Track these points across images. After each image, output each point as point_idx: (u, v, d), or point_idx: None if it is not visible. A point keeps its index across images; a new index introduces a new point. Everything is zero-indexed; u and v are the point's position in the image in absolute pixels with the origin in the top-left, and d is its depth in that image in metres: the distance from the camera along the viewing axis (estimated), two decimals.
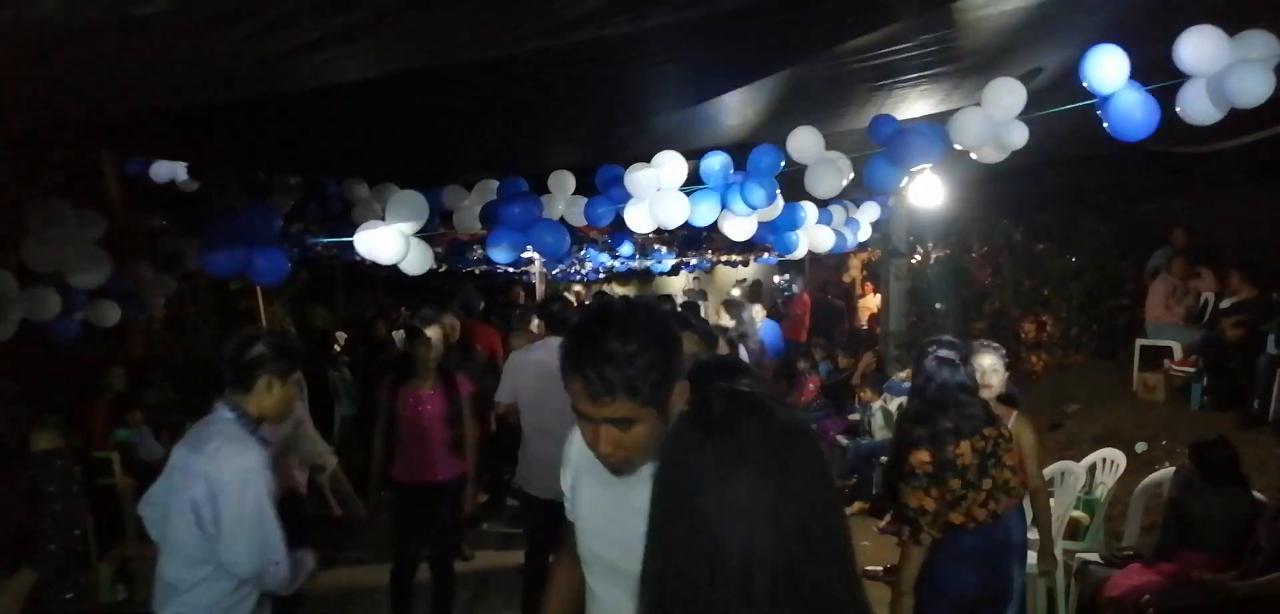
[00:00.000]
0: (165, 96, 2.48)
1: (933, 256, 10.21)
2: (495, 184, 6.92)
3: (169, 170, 7.04)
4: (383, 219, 6.30)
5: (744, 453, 1.21)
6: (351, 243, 6.10)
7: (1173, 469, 5.66)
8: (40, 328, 5.93)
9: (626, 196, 6.15)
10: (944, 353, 3.85)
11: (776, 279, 17.36)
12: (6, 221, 6.81)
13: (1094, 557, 5.40)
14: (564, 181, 6.91)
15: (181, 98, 2.55)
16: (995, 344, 4.69)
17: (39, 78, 1.99)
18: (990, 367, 4.35)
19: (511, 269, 14.24)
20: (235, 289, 11.27)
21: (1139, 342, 8.76)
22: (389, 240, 5.89)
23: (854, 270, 15.05)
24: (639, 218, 6.04)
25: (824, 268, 15.27)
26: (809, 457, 1.25)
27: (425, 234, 6.81)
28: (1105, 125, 4.41)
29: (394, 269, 6.76)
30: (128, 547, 6.69)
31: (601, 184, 6.53)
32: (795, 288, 14.17)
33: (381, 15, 1.78)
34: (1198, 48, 4.02)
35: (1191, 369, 7.86)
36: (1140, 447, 7.15)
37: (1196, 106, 4.16)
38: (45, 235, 5.26)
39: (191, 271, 7.55)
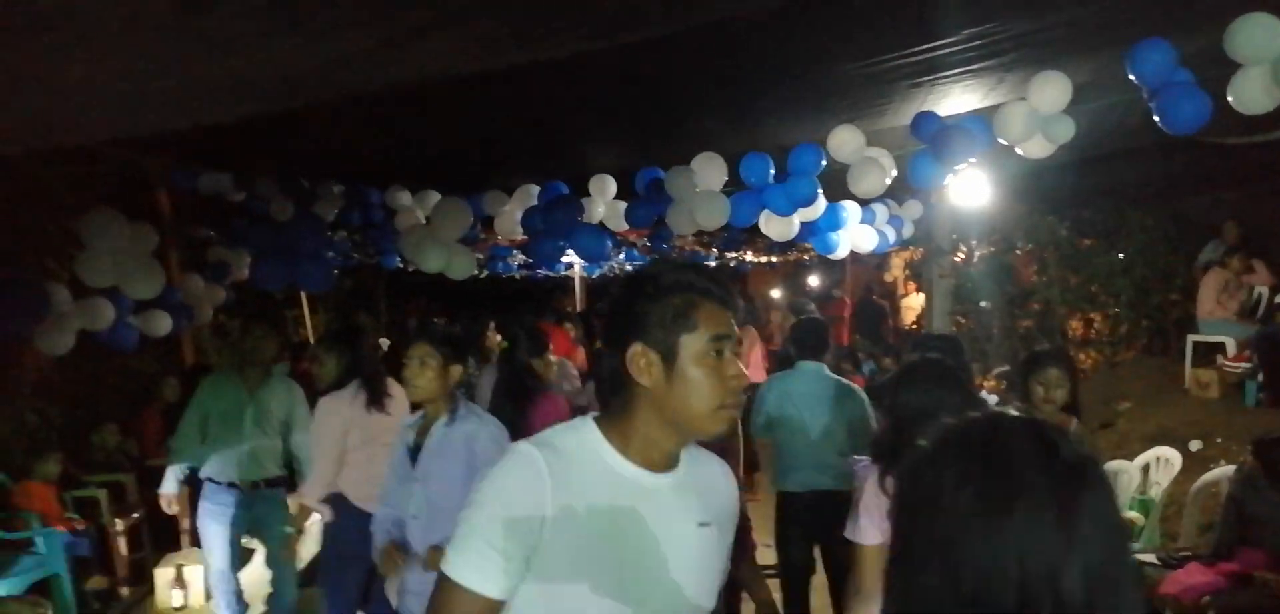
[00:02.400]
0: (225, 109, 2.54)
1: (976, 254, 10.10)
2: (536, 189, 6.98)
3: (214, 181, 7.17)
4: (426, 225, 6.38)
5: (1020, 494, 1.05)
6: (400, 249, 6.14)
7: (1230, 467, 5.54)
8: (97, 339, 6.08)
9: (666, 199, 6.17)
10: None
11: (813, 281, 17.02)
12: (60, 234, 6.98)
13: (1150, 558, 5.30)
14: (604, 185, 6.95)
15: (241, 109, 2.61)
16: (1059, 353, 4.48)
17: (100, 92, 2.05)
18: (1055, 380, 4.08)
19: (551, 274, 14.30)
20: (281, 298, 11.43)
21: (1191, 337, 8.59)
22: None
23: (896, 269, 14.92)
24: (680, 220, 6.05)
25: (865, 267, 15.16)
26: (1102, 500, 1.08)
27: (466, 240, 6.90)
28: (1156, 119, 4.34)
29: (437, 274, 6.84)
30: (183, 554, 6.81)
31: (641, 187, 6.56)
32: (836, 291, 14.06)
33: (433, 22, 1.81)
34: (1250, 35, 3.94)
35: (1246, 365, 7.70)
36: (1195, 445, 7.01)
37: (1249, 95, 4.08)
38: (101, 248, 5.38)
39: (240, 281, 7.69)
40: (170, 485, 5.46)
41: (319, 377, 4.94)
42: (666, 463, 1.69)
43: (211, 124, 2.91)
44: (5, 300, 5.16)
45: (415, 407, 3.75)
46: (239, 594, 5.39)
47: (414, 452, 3.50)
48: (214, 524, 5.17)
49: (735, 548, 1.86)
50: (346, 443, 4.51)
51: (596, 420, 1.70)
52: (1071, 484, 1.06)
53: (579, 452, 1.64)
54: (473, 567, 1.56)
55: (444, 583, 1.59)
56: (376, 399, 4.56)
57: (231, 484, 5.11)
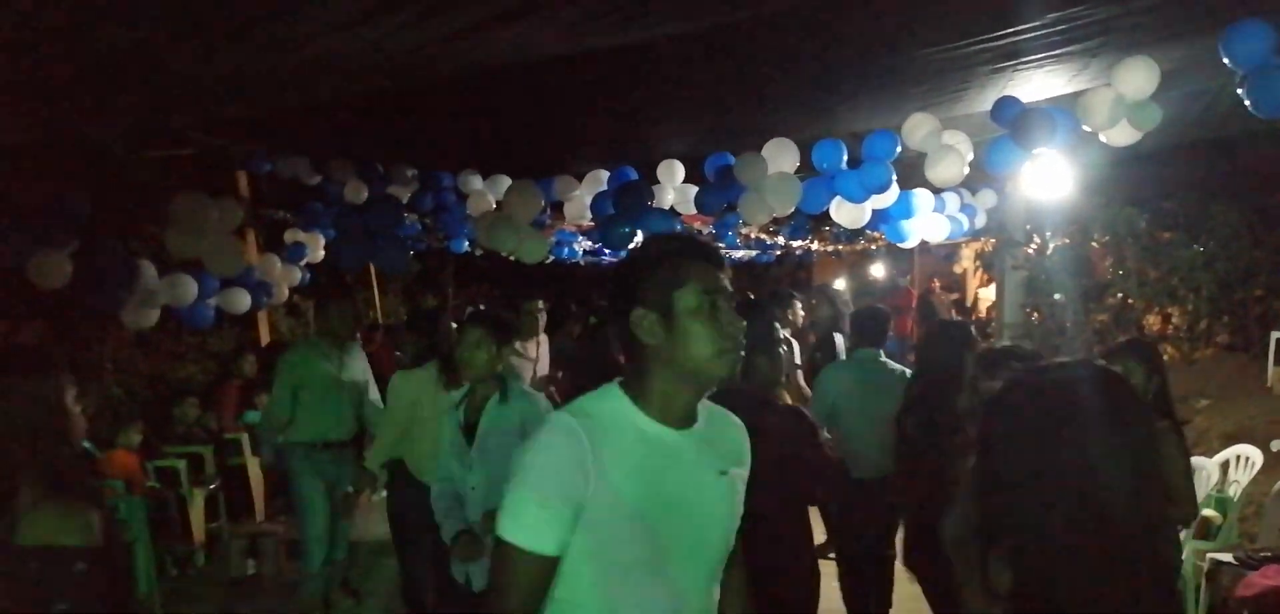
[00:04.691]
0: (323, 90, 2.60)
1: (1051, 245, 9.88)
2: (605, 174, 7.00)
3: (291, 164, 7.33)
4: (497, 209, 6.44)
5: (1083, 424, 1.39)
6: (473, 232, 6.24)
7: None
8: (177, 315, 6.29)
9: (736, 185, 6.14)
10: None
11: (876, 271, 16.55)
12: (144, 214, 7.21)
13: (1227, 557, 5.16)
14: (673, 171, 6.95)
15: (336, 91, 2.67)
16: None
17: (202, 77, 2.11)
18: (1127, 373, 4.13)
19: (616, 260, 14.34)
20: (351, 280, 11.65)
21: (1274, 334, 8.33)
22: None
23: (966, 260, 14.69)
24: (752, 207, 6.02)
25: (932, 258, 14.94)
26: (1140, 426, 1.44)
27: (535, 224, 6.95)
28: (1247, 104, 4.21)
29: (504, 259, 6.92)
30: (257, 523, 7.01)
31: (711, 173, 6.54)
32: (903, 280, 13.85)
33: (525, 5, 1.83)
34: None
35: None
36: (1276, 444, 6.81)
37: None
38: (187, 226, 5.55)
39: (314, 263, 7.88)
40: (268, 454, 5.64)
41: (402, 358, 5.11)
42: (686, 418, 1.86)
43: (301, 106, 3.00)
44: (97, 274, 5.35)
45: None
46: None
47: (468, 428, 3.68)
48: (313, 483, 5.39)
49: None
50: (414, 415, 4.71)
51: (621, 385, 1.86)
52: (1120, 416, 1.41)
53: (610, 415, 1.81)
54: (527, 528, 1.72)
55: (502, 546, 1.74)
56: (453, 377, 4.72)
57: (326, 444, 5.36)
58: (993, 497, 1.45)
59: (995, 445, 1.46)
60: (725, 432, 1.98)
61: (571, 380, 4.80)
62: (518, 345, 5.91)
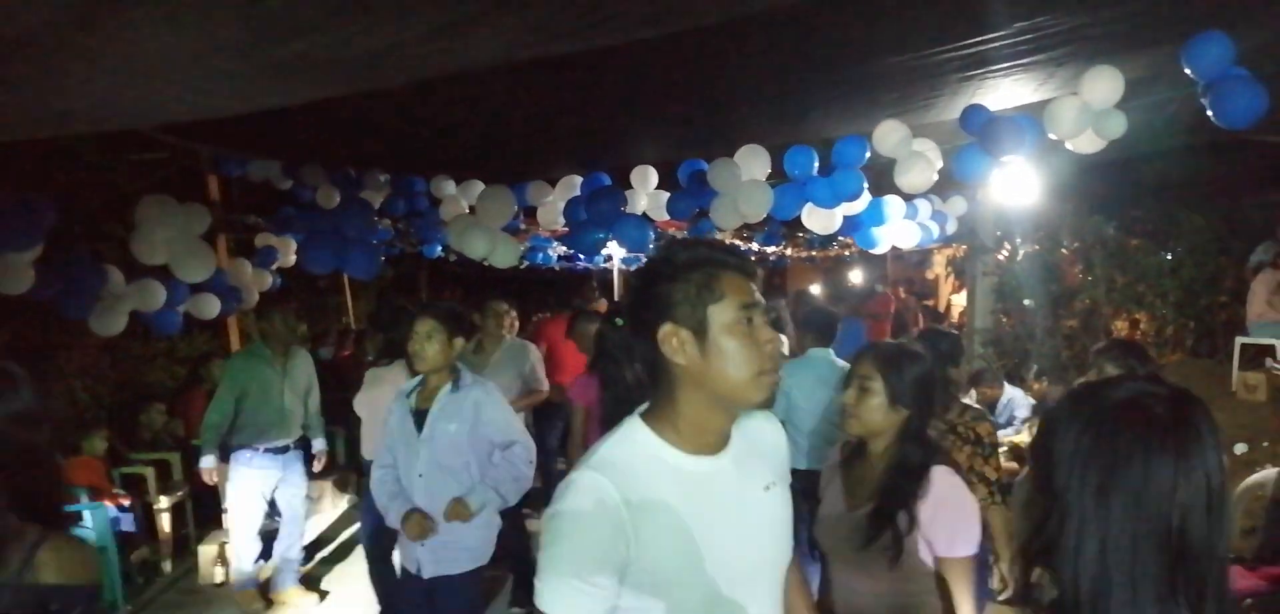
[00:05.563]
0: (288, 92, 2.59)
1: (1021, 252, 9.98)
2: (578, 180, 7.00)
3: (263, 168, 7.27)
4: (470, 213, 6.42)
5: (1148, 442, 1.36)
6: (446, 237, 6.24)
7: (1275, 471, 5.45)
8: (143, 321, 6.23)
9: (708, 190, 6.16)
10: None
11: (855, 277, 16.80)
12: (113, 218, 7.13)
13: None
14: (646, 176, 6.96)
15: (302, 93, 2.65)
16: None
17: (170, 73, 2.09)
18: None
19: (590, 266, 14.35)
20: (324, 285, 11.59)
21: (1239, 340, 8.44)
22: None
23: (938, 266, 14.81)
24: (724, 212, 6.04)
25: (905, 264, 15.05)
26: (1205, 441, 1.38)
27: (508, 230, 6.93)
28: (1209, 113, 4.27)
29: (477, 265, 6.90)
30: (225, 531, 6.93)
31: (684, 178, 6.56)
32: (880, 287, 13.95)
33: (493, 6, 1.83)
34: None
35: None
36: (1240, 448, 6.90)
37: None
38: (154, 230, 5.51)
39: (285, 267, 7.82)
40: (211, 460, 5.66)
41: (370, 358, 5.17)
42: (721, 442, 1.70)
43: (269, 109, 2.99)
44: (63, 279, 5.29)
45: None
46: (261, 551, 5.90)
47: (418, 417, 3.71)
48: (253, 486, 5.64)
49: None
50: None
51: (644, 417, 1.70)
52: (1182, 432, 1.36)
53: (638, 459, 1.64)
54: (570, 601, 1.56)
55: None
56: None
57: (267, 449, 5.60)
58: (1050, 512, 1.41)
59: (1056, 461, 1.41)
60: (762, 438, 1.81)
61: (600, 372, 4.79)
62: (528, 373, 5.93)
